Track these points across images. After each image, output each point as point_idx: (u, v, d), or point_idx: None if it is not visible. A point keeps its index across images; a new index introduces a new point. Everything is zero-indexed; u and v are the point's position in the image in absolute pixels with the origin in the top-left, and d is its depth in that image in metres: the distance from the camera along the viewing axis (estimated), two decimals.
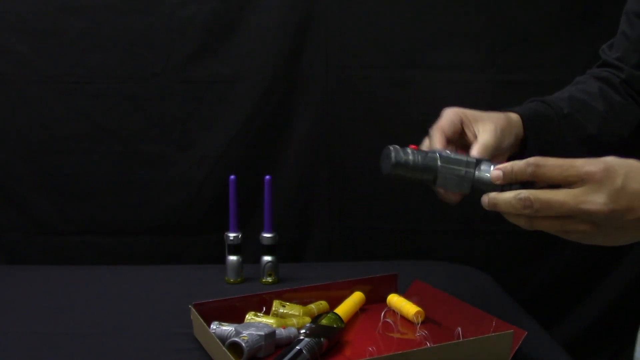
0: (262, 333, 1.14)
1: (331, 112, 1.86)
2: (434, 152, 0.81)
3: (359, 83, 1.85)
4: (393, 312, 1.36)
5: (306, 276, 1.58)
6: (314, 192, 1.90)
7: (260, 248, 1.61)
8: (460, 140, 0.90)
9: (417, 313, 1.31)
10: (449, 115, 0.93)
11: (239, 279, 1.59)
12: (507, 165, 0.72)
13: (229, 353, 1.07)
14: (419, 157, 0.81)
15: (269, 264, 1.59)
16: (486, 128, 0.89)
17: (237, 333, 1.15)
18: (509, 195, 0.71)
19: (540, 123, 0.95)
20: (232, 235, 1.59)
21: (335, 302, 1.36)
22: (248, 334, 1.13)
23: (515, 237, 1.90)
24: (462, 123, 0.92)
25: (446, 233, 1.91)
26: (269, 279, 1.59)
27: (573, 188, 0.67)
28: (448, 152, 0.81)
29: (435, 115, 1.86)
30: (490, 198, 0.75)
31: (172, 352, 1.20)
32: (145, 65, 1.83)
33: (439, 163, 0.78)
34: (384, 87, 1.85)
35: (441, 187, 0.81)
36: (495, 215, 1.97)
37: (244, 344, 1.10)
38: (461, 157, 0.79)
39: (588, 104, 0.99)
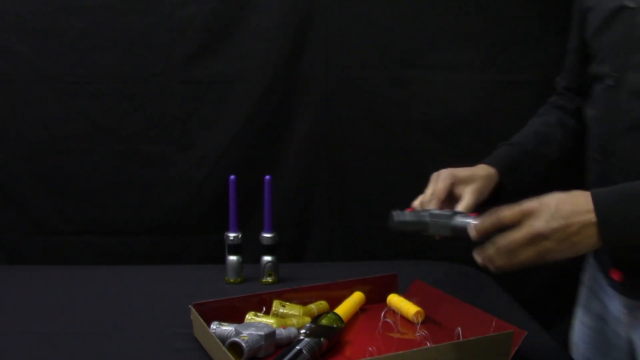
0: (262, 333, 1.14)
1: (331, 112, 1.86)
2: (425, 211, 1.08)
3: (359, 83, 1.85)
4: (393, 312, 1.36)
5: (306, 276, 1.58)
6: (314, 192, 1.90)
7: (260, 248, 1.60)
8: (450, 196, 1.12)
9: (417, 313, 1.31)
10: (444, 182, 1.12)
11: (239, 279, 1.59)
12: (478, 224, 0.93)
13: (229, 353, 1.07)
14: (414, 216, 1.08)
15: (269, 264, 1.59)
16: (469, 190, 1.11)
17: (237, 333, 1.15)
18: (489, 251, 0.92)
19: (512, 168, 1.16)
20: (232, 235, 1.59)
21: (335, 302, 1.36)
22: (248, 334, 1.13)
23: None
24: (453, 185, 1.12)
25: None
26: (269, 279, 1.59)
27: (523, 223, 0.86)
28: (436, 210, 1.08)
29: (435, 115, 1.87)
30: (481, 259, 0.96)
31: (172, 352, 1.20)
32: (145, 65, 1.83)
33: (428, 219, 1.06)
34: (384, 87, 1.85)
35: (432, 233, 1.08)
36: None
37: (244, 344, 1.10)
38: (444, 212, 1.06)
39: (549, 135, 1.20)
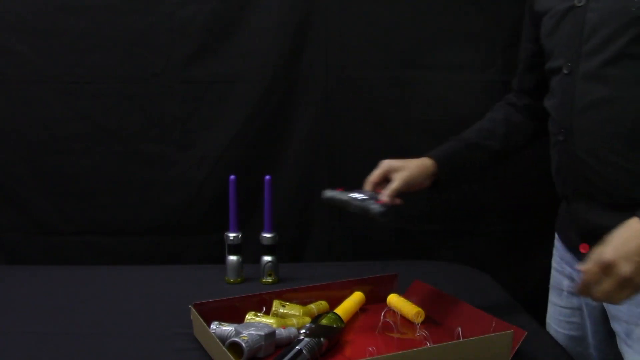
0: (262, 333, 1.14)
1: (331, 112, 1.86)
2: (353, 192, 1.29)
3: (359, 83, 1.85)
4: (393, 312, 1.36)
5: (306, 276, 1.58)
6: (314, 192, 1.90)
7: (260, 248, 1.61)
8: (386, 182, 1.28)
9: (417, 313, 1.32)
10: (380, 169, 1.29)
11: (239, 279, 1.59)
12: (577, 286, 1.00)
13: (228, 353, 1.07)
14: (338, 195, 1.31)
15: (269, 264, 1.59)
16: (398, 177, 1.27)
17: (237, 333, 1.15)
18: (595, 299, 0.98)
19: (449, 159, 1.32)
20: (232, 235, 1.59)
21: (335, 302, 1.36)
22: (248, 334, 1.13)
23: (515, 237, 1.90)
24: (389, 172, 1.28)
25: (446, 233, 1.91)
26: (269, 279, 1.59)
27: (608, 275, 0.95)
28: (359, 193, 1.28)
29: (435, 115, 1.87)
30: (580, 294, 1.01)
31: (172, 352, 1.20)
32: (145, 65, 1.83)
33: (347, 198, 1.28)
34: (384, 87, 1.85)
35: (352, 211, 1.26)
36: (495, 216, 1.99)
37: (244, 344, 1.10)
38: (362, 196, 1.27)
39: (493, 130, 1.36)
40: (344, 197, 1.29)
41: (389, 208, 1.24)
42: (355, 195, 1.28)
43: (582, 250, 1.20)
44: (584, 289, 0.98)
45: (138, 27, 1.82)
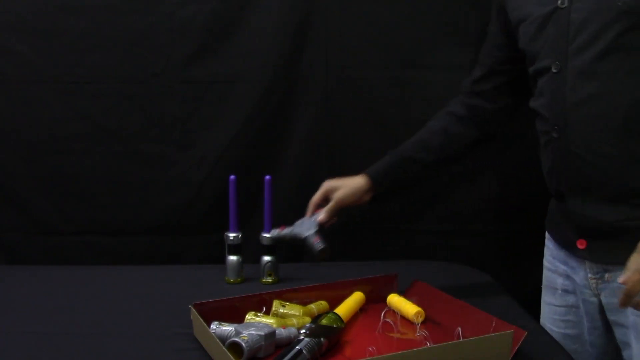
0: (262, 333, 1.14)
1: (331, 112, 1.86)
2: (290, 227, 1.47)
3: (359, 83, 1.85)
4: (393, 312, 1.36)
5: (306, 276, 1.58)
6: (314, 192, 1.90)
7: (260, 248, 1.61)
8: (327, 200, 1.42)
9: (417, 313, 1.32)
10: (321, 190, 1.44)
11: (239, 279, 1.60)
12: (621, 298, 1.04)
13: (228, 353, 1.07)
14: (279, 234, 1.49)
15: (269, 264, 1.59)
16: (334, 196, 1.42)
17: (237, 333, 1.15)
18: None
19: (383, 175, 1.44)
20: (232, 235, 1.60)
21: (335, 302, 1.36)
22: (248, 334, 1.13)
23: (514, 237, 1.90)
24: (328, 192, 1.43)
25: (446, 233, 1.91)
26: (269, 279, 1.59)
27: None
28: (300, 226, 1.46)
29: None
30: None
31: (172, 352, 1.20)
32: (145, 65, 1.83)
33: (288, 236, 1.46)
34: (384, 87, 1.85)
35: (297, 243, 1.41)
36: (495, 216, 1.99)
37: (244, 344, 1.10)
38: (303, 228, 1.44)
39: (428, 142, 1.45)
40: (287, 235, 1.46)
41: (327, 246, 1.38)
42: (297, 230, 1.44)
43: (580, 246, 1.22)
44: (626, 299, 1.02)
45: (138, 27, 1.81)
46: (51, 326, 1.32)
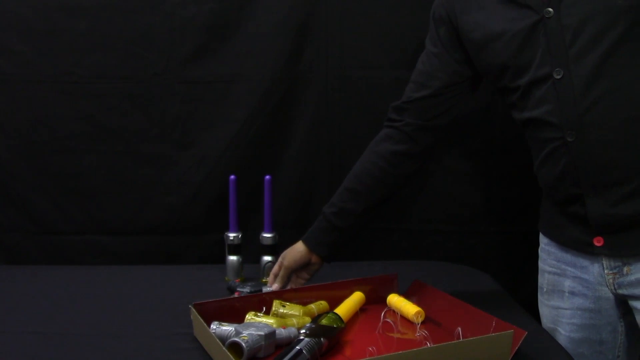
0: (262, 333, 1.14)
1: (331, 112, 1.86)
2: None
3: (359, 83, 1.85)
4: (393, 312, 1.36)
5: None
6: (314, 192, 1.90)
7: (260, 248, 1.61)
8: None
9: (417, 313, 1.32)
10: (277, 265, 1.45)
11: (238, 279, 1.59)
12: None
13: (229, 353, 1.07)
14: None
15: (269, 264, 1.59)
16: (282, 265, 1.43)
17: (237, 333, 1.15)
18: None
19: (320, 240, 1.44)
20: (232, 235, 1.60)
21: (335, 302, 1.36)
22: (248, 334, 1.13)
23: (515, 237, 1.90)
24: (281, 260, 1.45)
25: (446, 233, 1.91)
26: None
27: None
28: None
29: None
30: None
31: (172, 352, 1.20)
32: (145, 65, 1.83)
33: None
34: (384, 87, 1.85)
35: None
36: (496, 216, 1.98)
37: (244, 344, 1.10)
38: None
39: (353, 191, 1.43)
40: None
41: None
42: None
43: (597, 244, 1.22)
44: None
45: (138, 27, 1.82)
46: (51, 326, 1.32)
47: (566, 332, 1.32)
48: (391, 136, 1.43)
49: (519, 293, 1.68)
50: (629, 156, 1.15)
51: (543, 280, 1.38)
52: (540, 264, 1.39)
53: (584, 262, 1.27)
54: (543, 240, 1.39)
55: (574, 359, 1.21)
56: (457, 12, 1.31)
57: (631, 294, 1.22)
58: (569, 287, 1.31)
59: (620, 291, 1.23)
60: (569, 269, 1.30)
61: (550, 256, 1.36)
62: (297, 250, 1.44)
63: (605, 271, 1.23)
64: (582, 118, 1.16)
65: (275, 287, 1.42)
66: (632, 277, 1.20)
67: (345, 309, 1.33)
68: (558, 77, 1.17)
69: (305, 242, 1.44)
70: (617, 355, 1.30)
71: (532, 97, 1.24)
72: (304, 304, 1.35)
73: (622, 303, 1.25)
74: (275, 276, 1.44)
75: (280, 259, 1.45)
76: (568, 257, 1.30)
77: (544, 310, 1.38)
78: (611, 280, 1.23)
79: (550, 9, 1.16)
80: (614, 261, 1.22)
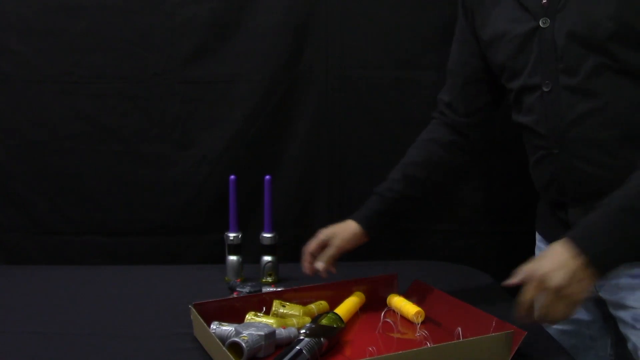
0: (262, 333, 1.15)
1: (331, 112, 1.86)
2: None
3: (359, 83, 1.85)
4: (393, 312, 1.36)
5: (306, 276, 1.57)
6: (314, 192, 1.90)
7: (260, 248, 1.61)
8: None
9: (417, 313, 1.32)
10: (318, 238, 1.41)
11: (239, 279, 1.59)
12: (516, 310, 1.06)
13: (229, 353, 1.07)
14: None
15: (269, 264, 1.59)
16: (332, 244, 1.39)
17: (237, 333, 1.15)
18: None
19: (375, 220, 1.42)
20: (232, 235, 1.60)
21: (335, 302, 1.36)
22: (248, 334, 1.13)
23: (515, 237, 1.89)
24: (325, 240, 1.40)
25: (446, 233, 1.91)
26: (269, 279, 1.59)
27: (542, 288, 1.04)
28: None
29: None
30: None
31: (172, 352, 1.20)
32: (145, 65, 1.83)
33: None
34: (384, 87, 1.85)
35: None
36: (496, 216, 1.98)
37: (244, 344, 1.11)
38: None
39: (415, 177, 1.42)
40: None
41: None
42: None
43: None
44: (522, 310, 1.04)
45: (138, 27, 1.81)
46: (51, 326, 1.32)
47: (559, 326, 1.34)
48: (443, 126, 1.44)
49: (519, 293, 1.68)
50: (610, 173, 1.15)
51: None
52: None
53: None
54: (538, 237, 1.43)
55: (569, 351, 1.23)
56: (476, 3, 1.32)
57: (610, 300, 1.23)
58: None
59: (601, 294, 1.25)
60: None
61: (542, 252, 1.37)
62: (351, 231, 1.41)
63: None
64: (566, 133, 1.18)
65: (320, 266, 1.38)
66: (611, 281, 1.21)
67: (345, 309, 1.33)
68: (546, 89, 1.18)
69: (361, 224, 1.41)
70: (609, 354, 1.33)
71: (523, 103, 1.25)
72: (303, 304, 1.35)
73: (606, 305, 1.27)
74: (313, 255, 1.40)
75: (323, 237, 1.41)
76: None
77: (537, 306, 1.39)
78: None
79: (547, 19, 1.16)
80: None
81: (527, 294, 1.03)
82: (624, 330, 1.22)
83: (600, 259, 1.02)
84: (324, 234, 1.42)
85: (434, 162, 1.43)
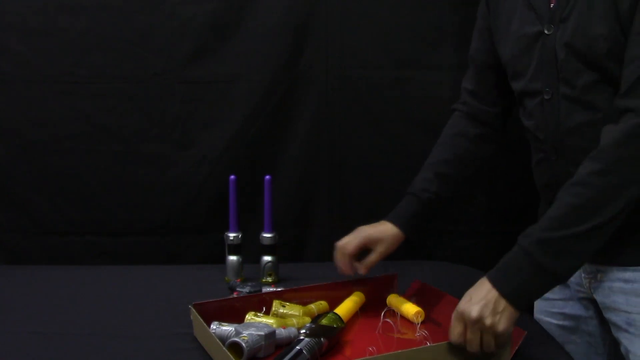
0: (262, 333, 1.14)
1: (331, 112, 1.86)
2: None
3: (359, 83, 1.85)
4: (393, 312, 1.36)
5: (306, 276, 1.58)
6: (314, 192, 1.90)
7: (260, 248, 1.61)
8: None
9: (417, 313, 1.31)
10: (357, 239, 1.36)
11: (239, 279, 1.59)
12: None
13: (229, 353, 1.07)
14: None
15: (269, 264, 1.59)
16: (377, 251, 1.36)
17: (237, 333, 1.15)
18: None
19: (414, 223, 1.38)
20: (232, 235, 1.60)
21: (335, 302, 1.36)
22: (248, 334, 1.13)
23: (515, 237, 1.89)
24: (366, 242, 1.36)
25: (446, 233, 1.91)
26: (269, 279, 1.59)
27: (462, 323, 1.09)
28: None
29: (435, 115, 1.87)
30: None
31: (172, 352, 1.20)
32: (145, 65, 1.83)
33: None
34: (384, 87, 1.85)
35: None
36: (496, 216, 1.98)
37: (244, 344, 1.10)
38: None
39: (447, 176, 1.39)
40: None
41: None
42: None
43: None
44: (455, 345, 1.09)
45: (138, 27, 1.82)
46: (51, 326, 1.32)
47: (558, 321, 1.35)
48: (466, 119, 1.42)
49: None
50: None
51: None
52: None
53: None
54: None
55: (569, 347, 1.25)
56: None
57: (602, 303, 1.24)
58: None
59: (595, 296, 1.25)
60: None
61: None
62: (393, 236, 1.37)
63: (583, 275, 1.26)
64: (563, 141, 1.18)
65: (362, 271, 1.36)
66: (604, 284, 1.21)
67: (345, 309, 1.33)
68: (547, 97, 1.18)
69: (401, 227, 1.37)
70: (607, 352, 1.33)
71: (525, 106, 1.25)
72: (303, 304, 1.35)
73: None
74: (350, 257, 1.35)
75: (364, 241, 1.36)
76: None
77: (539, 302, 1.40)
78: (587, 284, 1.26)
79: (552, 26, 1.15)
80: (589, 266, 1.24)
81: (453, 330, 1.09)
82: (616, 333, 1.22)
83: (514, 294, 1.08)
84: (364, 237, 1.37)
85: (463, 157, 1.40)
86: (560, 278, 1.10)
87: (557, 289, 1.34)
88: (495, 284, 1.10)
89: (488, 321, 1.06)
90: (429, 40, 1.83)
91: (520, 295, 1.09)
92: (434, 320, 1.32)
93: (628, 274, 1.16)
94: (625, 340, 1.19)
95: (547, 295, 1.36)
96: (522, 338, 1.14)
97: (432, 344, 1.16)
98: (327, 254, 1.90)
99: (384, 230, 1.37)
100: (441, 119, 1.84)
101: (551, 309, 1.37)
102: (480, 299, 1.08)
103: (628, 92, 1.06)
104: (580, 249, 1.07)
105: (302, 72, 1.84)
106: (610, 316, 1.22)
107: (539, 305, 1.40)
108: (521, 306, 1.09)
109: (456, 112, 1.45)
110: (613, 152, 1.06)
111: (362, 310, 1.38)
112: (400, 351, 1.09)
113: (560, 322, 1.35)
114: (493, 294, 1.08)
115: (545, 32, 1.16)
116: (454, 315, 1.10)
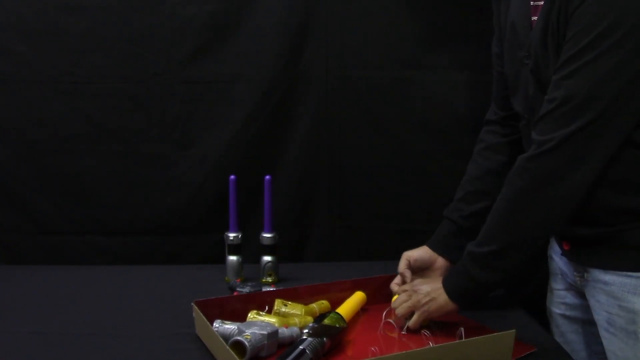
0: (265, 332, 1.15)
1: (331, 112, 1.86)
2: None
3: (359, 83, 1.85)
4: (394, 312, 1.36)
5: (306, 276, 1.58)
6: (314, 192, 1.90)
7: (260, 248, 1.61)
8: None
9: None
10: (409, 266, 1.44)
11: (239, 279, 1.59)
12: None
13: (232, 351, 1.07)
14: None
15: (269, 264, 1.59)
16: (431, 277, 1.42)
17: (240, 332, 1.15)
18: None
19: (456, 250, 1.37)
20: (232, 235, 1.60)
21: (336, 302, 1.37)
22: (251, 332, 1.13)
23: None
24: (417, 267, 1.45)
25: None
26: (269, 279, 1.59)
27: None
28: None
29: (435, 115, 1.87)
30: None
31: (172, 352, 1.20)
32: (145, 65, 1.83)
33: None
34: (384, 87, 1.85)
35: None
36: None
37: (247, 343, 1.11)
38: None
39: (475, 192, 1.45)
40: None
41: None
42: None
43: (565, 247, 1.28)
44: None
45: (138, 27, 1.81)
46: (51, 326, 1.32)
47: (560, 311, 1.38)
48: (492, 127, 1.45)
49: (519, 293, 1.68)
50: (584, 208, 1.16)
51: (550, 264, 1.44)
52: (548, 250, 1.43)
53: (564, 257, 1.33)
54: None
55: (569, 337, 1.30)
56: None
57: (589, 300, 1.26)
58: (560, 270, 1.38)
59: (585, 292, 1.27)
60: (559, 261, 1.37)
61: (552, 242, 1.41)
62: (440, 267, 1.43)
63: (575, 272, 1.29)
64: None
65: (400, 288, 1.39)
66: (590, 284, 1.23)
67: (346, 309, 1.33)
68: (524, 123, 1.26)
69: (445, 256, 1.44)
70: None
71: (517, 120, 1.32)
72: (305, 303, 1.35)
73: None
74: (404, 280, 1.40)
75: (408, 264, 1.43)
76: (556, 247, 1.37)
77: (548, 293, 1.44)
78: (578, 282, 1.28)
79: (529, 56, 1.18)
80: (578, 265, 1.26)
81: (399, 298, 1.29)
82: (600, 331, 1.23)
83: (454, 294, 1.25)
84: (414, 261, 1.44)
85: (493, 168, 1.43)
86: (491, 286, 1.25)
87: (559, 279, 1.38)
88: (443, 281, 1.27)
89: (424, 299, 1.25)
90: (429, 40, 1.83)
91: (459, 296, 1.24)
92: (435, 320, 1.32)
93: (608, 277, 1.19)
94: (605, 339, 1.21)
95: (552, 285, 1.42)
96: (525, 353, 1.15)
97: (434, 345, 1.16)
98: (327, 254, 1.92)
99: (427, 258, 1.45)
100: (441, 119, 1.85)
101: (556, 299, 1.40)
102: (432, 286, 1.28)
103: (534, 125, 1.15)
104: (499, 265, 1.19)
105: (302, 72, 1.84)
106: (594, 314, 1.24)
107: (548, 296, 1.43)
108: (464, 305, 1.25)
109: (483, 128, 1.48)
110: (514, 181, 1.16)
111: (363, 310, 1.38)
112: (402, 352, 1.09)
113: (563, 312, 1.38)
114: (440, 286, 1.27)
115: (525, 61, 1.20)
116: (407, 287, 1.31)
